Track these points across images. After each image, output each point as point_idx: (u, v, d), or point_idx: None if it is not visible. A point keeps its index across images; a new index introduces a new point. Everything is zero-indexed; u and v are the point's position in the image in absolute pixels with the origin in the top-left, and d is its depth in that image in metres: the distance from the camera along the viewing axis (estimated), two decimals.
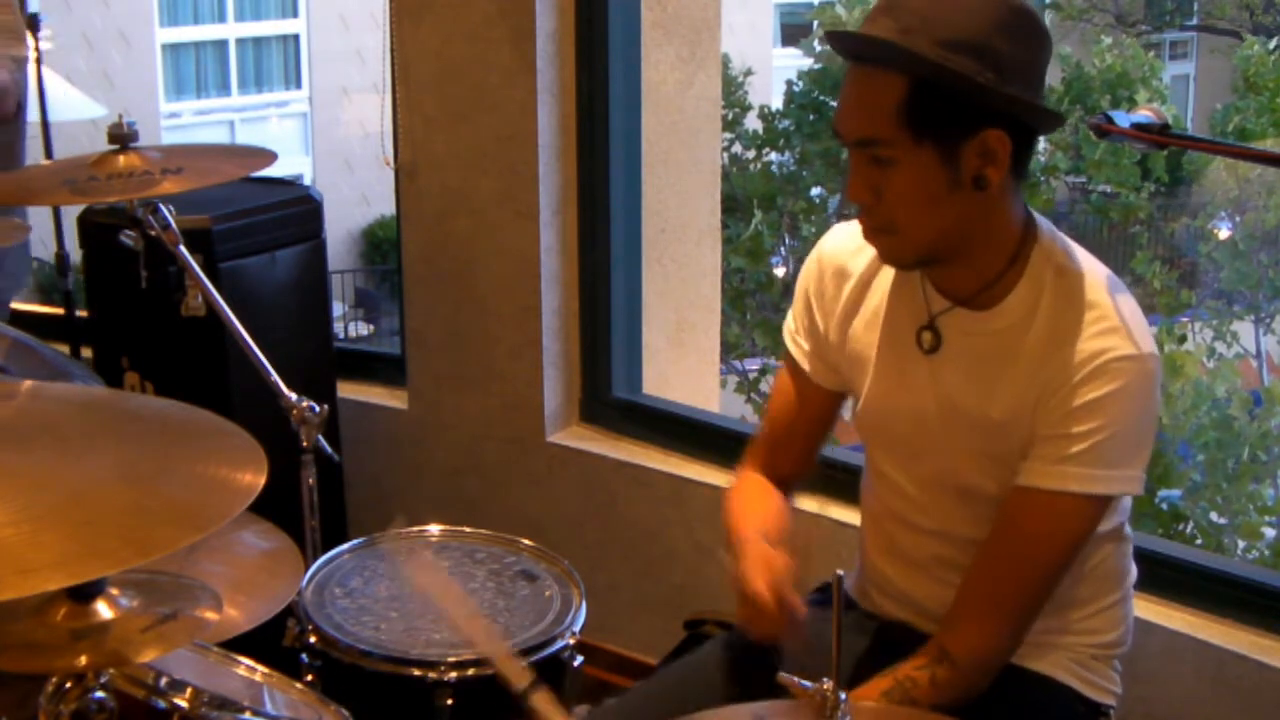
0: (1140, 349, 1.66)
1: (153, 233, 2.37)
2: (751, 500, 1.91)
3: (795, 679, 1.39)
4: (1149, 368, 1.66)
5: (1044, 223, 1.75)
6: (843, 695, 1.35)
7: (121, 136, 2.28)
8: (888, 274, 1.83)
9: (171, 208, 2.37)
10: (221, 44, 15.76)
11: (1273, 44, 12.47)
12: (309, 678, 2.03)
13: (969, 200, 1.65)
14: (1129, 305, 1.69)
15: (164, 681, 1.54)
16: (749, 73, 11.86)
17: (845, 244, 1.87)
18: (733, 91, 11.46)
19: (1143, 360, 1.66)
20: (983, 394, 1.73)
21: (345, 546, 2.26)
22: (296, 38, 15.92)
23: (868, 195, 1.66)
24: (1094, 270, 1.72)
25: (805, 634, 1.67)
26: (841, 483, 2.56)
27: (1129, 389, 1.65)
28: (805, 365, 1.93)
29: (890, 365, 1.81)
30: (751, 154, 11.19)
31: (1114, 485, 1.69)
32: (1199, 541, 7.44)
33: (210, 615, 1.40)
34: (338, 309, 13.10)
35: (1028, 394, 1.69)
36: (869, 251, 1.83)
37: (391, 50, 3.11)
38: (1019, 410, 1.70)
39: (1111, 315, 1.67)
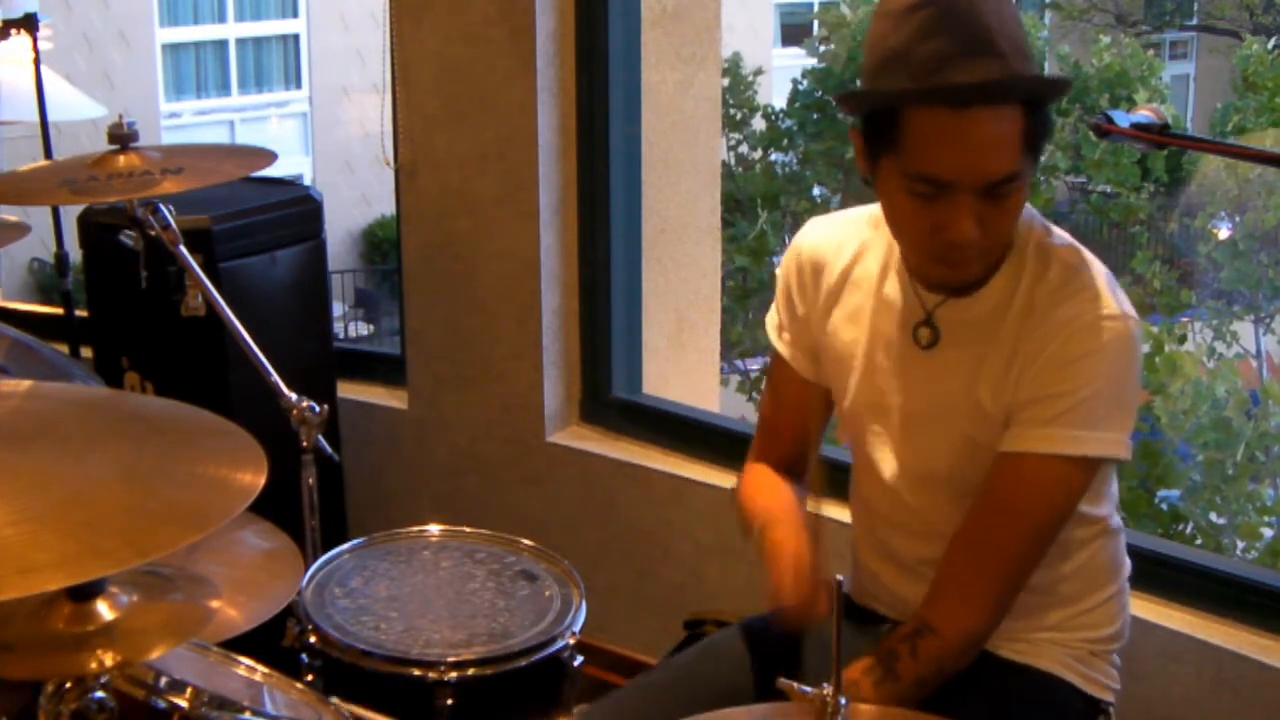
0: (1118, 310, 1.67)
1: (153, 233, 2.38)
2: (765, 485, 1.91)
3: (795, 684, 1.39)
4: (1128, 327, 1.67)
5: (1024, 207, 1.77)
6: (843, 700, 1.35)
7: (121, 136, 2.29)
8: (867, 269, 1.83)
9: (171, 208, 2.37)
10: (221, 44, 15.75)
11: (1272, 44, 12.49)
12: (309, 678, 2.03)
13: None
14: (1105, 275, 1.71)
15: (164, 681, 1.54)
16: (759, 72, 11.82)
17: (823, 238, 1.88)
18: (742, 91, 11.43)
19: (1121, 320, 1.67)
20: (971, 378, 1.73)
21: (345, 546, 2.26)
22: (296, 38, 15.91)
23: (979, 232, 1.63)
24: (1070, 245, 1.74)
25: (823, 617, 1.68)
26: (840, 483, 2.56)
27: (1108, 348, 1.65)
28: (789, 358, 1.93)
29: (880, 363, 1.81)
30: (757, 154, 11.18)
31: (1099, 446, 1.67)
32: (1198, 542, 7.42)
33: (213, 605, 1.40)
34: (338, 309, 13.10)
35: (1010, 367, 1.70)
36: (847, 246, 1.85)
37: (391, 50, 3.11)
38: (1003, 386, 1.70)
39: (1088, 281, 1.69)
